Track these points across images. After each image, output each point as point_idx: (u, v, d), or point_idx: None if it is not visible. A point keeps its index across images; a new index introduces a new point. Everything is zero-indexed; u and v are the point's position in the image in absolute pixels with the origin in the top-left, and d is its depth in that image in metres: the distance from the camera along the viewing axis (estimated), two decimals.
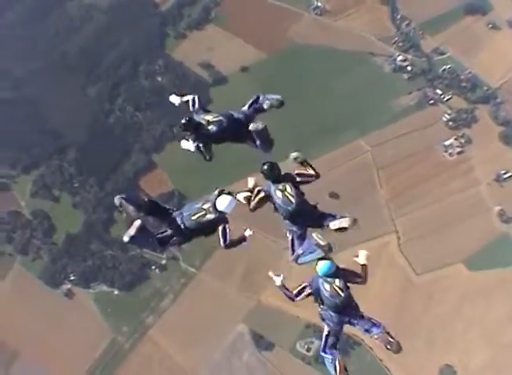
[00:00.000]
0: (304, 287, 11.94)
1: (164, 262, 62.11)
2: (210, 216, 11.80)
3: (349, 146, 62.86)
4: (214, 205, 11.77)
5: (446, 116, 64.34)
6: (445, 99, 65.04)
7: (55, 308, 61.68)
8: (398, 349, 11.77)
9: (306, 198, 11.87)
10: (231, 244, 12.59)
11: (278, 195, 11.54)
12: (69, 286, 62.27)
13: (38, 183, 64.08)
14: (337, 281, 11.42)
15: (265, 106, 13.01)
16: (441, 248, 60.92)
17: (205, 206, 11.82)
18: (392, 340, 11.75)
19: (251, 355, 60.81)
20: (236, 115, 12.77)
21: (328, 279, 11.35)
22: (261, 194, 12.02)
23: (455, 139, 63.60)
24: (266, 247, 60.79)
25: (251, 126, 12.43)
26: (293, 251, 12.08)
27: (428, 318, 59.69)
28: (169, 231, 12.13)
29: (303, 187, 11.92)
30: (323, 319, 12.13)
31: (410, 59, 66.31)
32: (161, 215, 12.16)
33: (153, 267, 61.95)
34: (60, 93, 64.63)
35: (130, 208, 12.10)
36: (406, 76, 65.81)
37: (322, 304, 11.87)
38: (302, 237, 11.85)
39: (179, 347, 60.06)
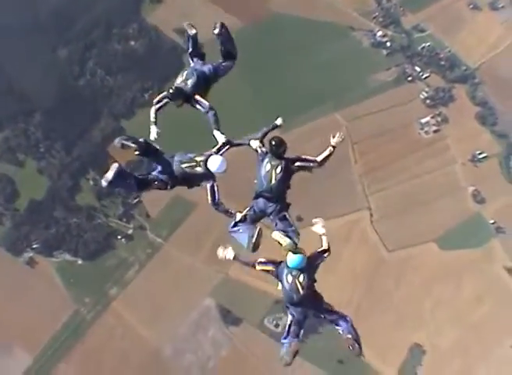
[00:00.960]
0: (269, 263, 10.70)
1: (130, 231, 58.16)
2: (199, 170, 10.82)
3: (324, 119, 59.05)
4: (206, 161, 10.82)
5: (424, 93, 61.39)
6: (423, 77, 62.08)
7: (16, 277, 57.13)
8: (359, 354, 10.57)
9: None
10: (219, 206, 11.24)
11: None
12: (31, 254, 57.94)
13: (2, 147, 59.22)
14: (301, 277, 10.35)
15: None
16: (413, 226, 58.31)
17: (198, 158, 10.88)
18: (356, 345, 10.57)
19: (218, 330, 57.18)
20: (200, 67, 12.31)
21: (293, 272, 10.31)
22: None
23: (431, 117, 60.80)
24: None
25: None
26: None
27: (398, 295, 57.14)
28: (153, 174, 11.16)
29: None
30: (287, 307, 11.05)
31: (390, 35, 63.04)
32: (154, 156, 11.26)
33: (119, 236, 58.05)
34: (29, 53, 59.38)
35: (133, 146, 11.03)
36: (385, 51, 62.56)
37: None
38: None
39: (144, 320, 56.07)
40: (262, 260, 10.63)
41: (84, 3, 61.84)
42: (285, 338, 10.74)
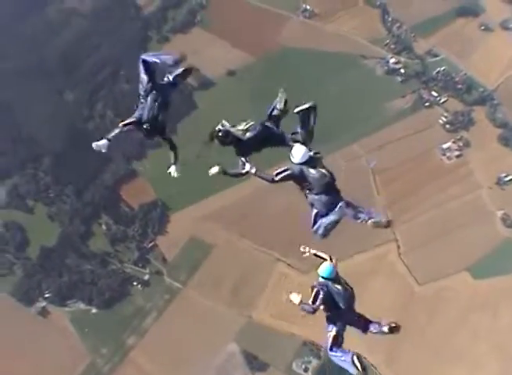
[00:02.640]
0: (317, 292, 10.52)
1: (147, 277, 52.42)
2: None
3: (343, 151, 53.85)
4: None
5: (443, 118, 56.43)
6: (441, 101, 57.25)
7: (28, 328, 51.23)
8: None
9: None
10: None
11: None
12: (43, 304, 52.33)
13: (11, 194, 54.36)
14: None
15: (277, 107, 11.46)
16: (443, 256, 52.23)
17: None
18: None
19: None
20: (266, 122, 11.24)
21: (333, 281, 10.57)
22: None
23: (453, 142, 55.65)
24: (255, 258, 52.02)
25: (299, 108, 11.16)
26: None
27: (433, 330, 50.82)
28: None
29: None
30: (334, 323, 10.88)
31: (403, 62, 58.59)
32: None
33: (134, 283, 52.36)
34: (36, 98, 55.27)
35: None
36: (399, 78, 58.08)
37: (335, 308, 10.78)
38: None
39: (164, 370, 49.88)
40: (312, 300, 10.46)
41: (90, 45, 58.08)
42: (331, 349, 10.57)
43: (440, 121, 56.52)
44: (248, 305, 51.12)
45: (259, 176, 10.57)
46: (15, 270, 53.54)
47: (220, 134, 10.59)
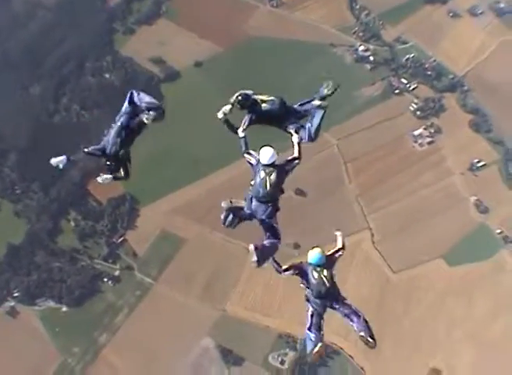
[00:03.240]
0: (294, 266, 11.25)
1: (117, 273, 50.55)
2: None
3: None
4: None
5: (413, 105, 55.43)
6: (410, 88, 56.27)
7: None
8: (373, 346, 10.98)
9: None
10: None
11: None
12: (12, 303, 50.26)
13: None
14: (325, 271, 11.04)
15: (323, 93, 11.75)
16: (418, 244, 51.20)
17: None
18: (369, 339, 10.89)
19: (219, 372, 49.55)
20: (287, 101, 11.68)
21: (318, 268, 11.02)
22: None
23: (424, 129, 54.73)
24: (227, 251, 50.52)
25: (315, 103, 11.57)
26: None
27: (409, 319, 49.77)
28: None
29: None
30: (308, 300, 11.39)
31: (372, 49, 57.52)
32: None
33: (105, 279, 50.48)
34: (0, 92, 53.81)
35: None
36: (368, 66, 57.03)
37: (308, 287, 11.20)
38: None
39: (138, 367, 48.21)
40: (285, 268, 11.11)
41: (55, 38, 55.93)
42: (309, 329, 11.13)
43: (411, 108, 55.55)
44: (221, 298, 49.64)
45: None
46: None
47: (242, 97, 11.12)
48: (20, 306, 50.63)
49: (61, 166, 10.56)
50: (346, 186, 52.33)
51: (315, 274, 10.82)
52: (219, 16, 57.52)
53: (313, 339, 10.95)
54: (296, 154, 11.02)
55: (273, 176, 10.61)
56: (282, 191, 10.93)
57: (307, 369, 49.16)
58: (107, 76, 55.20)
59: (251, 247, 10.59)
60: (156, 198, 51.53)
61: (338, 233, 11.81)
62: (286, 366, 49.05)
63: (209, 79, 54.88)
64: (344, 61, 56.94)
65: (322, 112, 11.38)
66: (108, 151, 11.00)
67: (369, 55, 57.14)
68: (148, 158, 52.27)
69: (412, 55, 57.36)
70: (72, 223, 51.49)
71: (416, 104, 55.53)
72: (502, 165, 54.24)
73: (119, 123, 11.53)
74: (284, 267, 11.07)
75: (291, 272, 11.06)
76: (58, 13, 58.01)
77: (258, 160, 10.85)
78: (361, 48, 57.24)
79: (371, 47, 57.64)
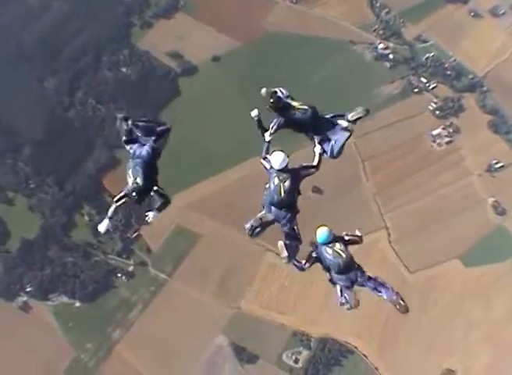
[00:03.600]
0: (310, 253, 11.08)
1: (131, 268, 50.04)
2: None
3: None
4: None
5: (433, 104, 54.62)
6: (430, 88, 55.44)
7: (9, 324, 48.77)
8: (405, 310, 11.54)
9: None
10: None
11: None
12: (24, 298, 49.83)
13: None
14: (337, 244, 10.90)
15: (350, 117, 11.62)
16: (434, 244, 50.59)
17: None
18: (401, 302, 11.48)
19: (233, 370, 48.79)
20: (319, 111, 11.65)
21: (330, 244, 10.87)
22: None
23: (443, 128, 53.92)
24: (243, 248, 49.73)
25: (343, 123, 11.56)
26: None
27: (425, 319, 49.14)
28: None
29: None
30: (333, 283, 11.25)
31: (392, 47, 56.62)
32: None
33: (119, 274, 49.99)
34: (15, 85, 52.56)
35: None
36: (388, 64, 56.10)
37: (329, 271, 11.04)
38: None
39: (151, 364, 47.86)
40: (305, 261, 11.02)
41: (71, 31, 55.31)
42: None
43: (430, 107, 54.75)
44: (236, 296, 49.12)
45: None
46: None
47: (275, 97, 11.04)
48: (33, 301, 50.19)
49: (109, 228, 10.67)
50: (363, 184, 51.65)
51: (329, 250, 10.72)
52: (238, 11, 56.69)
53: (347, 297, 10.91)
54: (315, 162, 11.00)
55: (287, 183, 10.55)
56: (299, 193, 10.92)
57: (321, 368, 48.70)
58: (123, 70, 54.42)
59: (280, 243, 10.73)
60: (171, 193, 50.14)
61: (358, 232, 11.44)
62: (300, 364, 48.58)
63: (227, 74, 54.21)
64: (364, 58, 56.14)
65: (348, 134, 11.35)
66: (130, 188, 10.46)
67: (389, 53, 56.30)
68: (164, 153, 51.73)
69: (432, 54, 56.53)
70: (87, 218, 50.82)
71: (435, 103, 54.70)
72: None
73: (138, 160, 10.78)
74: (304, 261, 11.00)
75: (311, 261, 10.93)
76: (74, 5, 57.14)
77: (271, 166, 10.73)
78: (381, 45, 56.37)
79: (391, 45, 56.76)
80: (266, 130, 11.21)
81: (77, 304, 49.86)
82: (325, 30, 56.36)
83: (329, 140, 11.26)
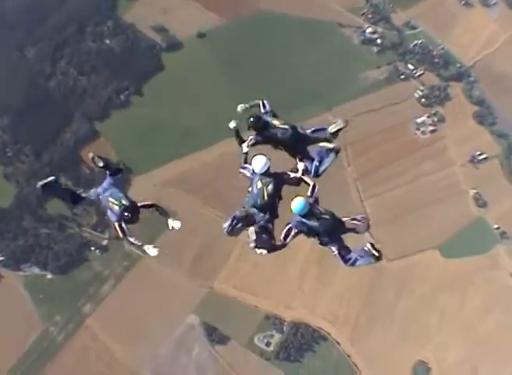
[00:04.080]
0: (289, 229, 10.67)
1: (105, 242, 49.06)
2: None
3: (315, 120, 51.53)
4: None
5: (419, 92, 53.75)
6: (417, 75, 54.50)
7: None
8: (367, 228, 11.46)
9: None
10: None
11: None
12: None
13: None
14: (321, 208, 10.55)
15: (330, 129, 11.57)
16: (413, 233, 50.18)
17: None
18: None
19: (203, 350, 48.20)
20: (300, 130, 11.43)
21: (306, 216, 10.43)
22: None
23: (427, 117, 53.19)
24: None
25: (328, 145, 11.41)
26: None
27: (400, 308, 48.84)
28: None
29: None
30: (325, 244, 10.92)
31: (380, 32, 55.50)
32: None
33: (93, 248, 49.09)
34: None
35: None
36: (375, 49, 55.05)
37: (317, 236, 10.75)
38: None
39: (120, 340, 47.34)
40: (283, 236, 10.56)
41: (55, 0, 54.00)
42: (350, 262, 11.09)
43: (415, 95, 53.87)
44: (210, 275, 48.46)
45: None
46: None
47: (255, 118, 10.80)
48: (4, 271, 49.26)
49: (158, 252, 10.82)
50: (344, 169, 50.78)
51: (314, 222, 10.35)
52: None
53: (361, 258, 11.04)
54: (298, 174, 10.87)
55: (270, 187, 10.48)
56: (281, 198, 10.89)
57: (292, 353, 48.20)
58: (107, 41, 52.80)
59: (251, 228, 10.50)
60: (149, 169, 49.77)
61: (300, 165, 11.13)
62: (271, 347, 48.06)
63: (211, 51, 53.07)
64: (351, 42, 55.08)
65: (334, 157, 11.27)
66: (128, 208, 10.77)
67: (377, 38, 55.26)
68: (144, 127, 50.92)
69: (420, 41, 55.50)
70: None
71: (421, 91, 53.88)
72: (504, 159, 52.84)
73: (111, 190, 11.09)
74: (282, 235, 10.62)
75: (291, 235, 10.57)
76: None
77: (253, 169, 10.68)
78: (369, 30, 55.37)
79: (380, 30, 55.70)
80: (244, 141, 11.02)
81: (49, 276, 49.04)
82: (313, 11, 55.06)
83: (313, 159, 11.05)
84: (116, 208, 10.68)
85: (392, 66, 54.84)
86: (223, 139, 48.40)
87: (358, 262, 11.14)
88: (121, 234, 10.89)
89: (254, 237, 10.38)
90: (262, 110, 11.36)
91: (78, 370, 47.45)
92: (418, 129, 53.16)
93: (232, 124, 10.96)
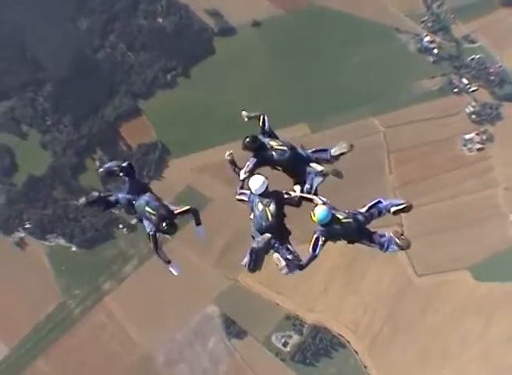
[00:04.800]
0: (317, 239, 10.00)
1: (134, 221, 48.89)
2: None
3: (360, 123, 49.63)
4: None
5: (470, 108, 51.85)
6: (470, 90, 52.44)
7: (2, 258, 47.45)
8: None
9: None
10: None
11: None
12: (22, 234, 48.58)
13: (6, 116, 50.07)
14: (340, 215, 9.99)
15: (332, 152, 10.93)
16: (447, 250, 48.22)
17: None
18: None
19: (218, 341, 47.12)
20: (299, 150, 11.01)
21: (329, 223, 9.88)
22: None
23: (476, 134, 51.07)
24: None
25: (317, 167, 10.79)
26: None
27: (423, 325, 47.05)
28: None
29: None
30: (353, 243, 10.47)
31: (438, 42, 53.54)
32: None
33: (120, 226, 48.19)
34: (47, 21, 50.44)
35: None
36: (431, 58, 53.11)
37: (342, 238, 10.28)
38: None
39: (137, 321, 46.52)
40: (312, 247, 9.98)
41: None
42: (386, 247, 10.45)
43: (467, 110, 51.91)
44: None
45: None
46: None
47: (251, 138, 10.48)
48: (30, 238, 48.83)
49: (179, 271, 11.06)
50: (385, 176, 49.27)
51: (336, 226, 9.93)
52: None
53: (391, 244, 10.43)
54: (297, 194, 10.55)
55: (272, 207, 10.11)
56: (285, 216, 10.65)
57: (309, 356, 46.91)
58: (159, 20, 52.17)
59: (275, 256, 10.32)
60: (187, 152, 48.83)
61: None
62: (288, 348, 46.76)
63: (265, 41, 51.83)
64: (407, 49, 53.31)
65: (321, 179, 10.75)
66: (166, 218, 10.52)
67: (434, 48, 53.42)
68: (188, 110, 49.92)
69: (478, 56, 53.47)
70: (98, 163, 49.02)
71: (473, 107, 51.93)
72: None
73: (146, 199, 10.81)
74: (311, 247, 10.07)
75: (319, 244, 10.01)
76: None
77: (251, 192, 10.36)
78: (427, 38, 53.62)
79: (438, 40, 53.94)
80: (240, 169, 10.80)
81: (74, 248, 48.40)
82: (372, 12, 53.61)
83: (305, 182, 10.75)
84: (154, 218, 10.41)
85: (446, 78, 52.91)
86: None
87: (390, 247, 10.73)
88: (153, 247, 10.71)
89: (283, 263, 10.12)
90: (261, 129, 11.01)
91: (91, 346, 46.80)
92: (465, 145, 51.28)
93: (227, 156, 10.94)
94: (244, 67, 50.86)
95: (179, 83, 50.83)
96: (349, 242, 10.47)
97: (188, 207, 11.18)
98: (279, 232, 10.30)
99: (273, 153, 10.53)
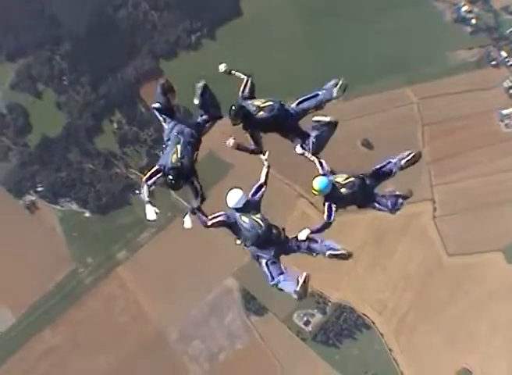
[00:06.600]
0: (330, 206, 9.30)
1: (152, 187, 46.01)
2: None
3: (393, 92, 45.77)
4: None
5: (508, 82, 47.84)
6: (509, 64, 48.83)
7: (13, 221, 44.48)
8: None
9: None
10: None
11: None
12: (33, 197, 45.45)
13: (22, 74, 46.38)
14: (340, 178, 9.37)
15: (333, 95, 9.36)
16: (480, 230, 44.27)
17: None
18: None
19: (236, 317, 43.71)
20: (285, 104, 9.55)
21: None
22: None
23: None
24: (275, 189, 45.71)
25: (325, 118, 9.46)
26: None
27: (452, 309, 43.29)
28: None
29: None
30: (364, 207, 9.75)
31: (476, 12, 49.62)
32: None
33: (137, 191, 44.00)
34: None
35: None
36: (469, 29, 48.78)
37: (351, 202, 9.54)
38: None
39: (151, 293, 43.41)
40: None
41: None
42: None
43: (504, 84, 47.94)
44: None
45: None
46: (10, 157, 45.96)
47: (232, 110, 9.46)
48: (41, 202, 45.51)
49: (157, 212, 8.91)
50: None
51: (342, 191, 9.32)
52: None
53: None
54: (262, 180, 9.90)
55: (258, 215, 9.28)
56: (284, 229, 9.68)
57: (331, 336, 43.40)
58: None
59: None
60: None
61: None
62: (309, 328, 43.26)
63: (295, 3, 47.90)
64: (443, 18, 49.37)
65: (333, 130, 9.51)
66: (169, 164, 8.71)
67: (471, 18, 49.37)
68: (212, 74, 46.44)
69: None
70: (115, 126, 45.47)
71: (511, 81, 48.76)
72: None
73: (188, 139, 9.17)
74: (326, 216, 9.32)
75: (334, 210, 9.24)
76: None
77: (230, 208, 9.51)
78: (465, 8, 49.48)
79: (476, 10, 50.07)
80: (252, 145, 9.89)
81: (87, 214, 45.03)
82: None
83: (308, 135, 9.54)
84: (172, 159, 8.73)
85: (484, 50, 48.70)
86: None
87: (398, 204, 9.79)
88: (144, 187, 8.86)
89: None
90: (241, 93, 9.76)
91: (101, 318, 43.53)
92: (502, 121, 47.22)
93: (231, 146, 9.93)
94: (273, 31, 47.07)
95: (204, 44, 46.81)
96: (359, 207, 9.67)
97: (202, 194, 9.63)
98: (275, 235, 9.32)
99: (262, 112, 9.38)
